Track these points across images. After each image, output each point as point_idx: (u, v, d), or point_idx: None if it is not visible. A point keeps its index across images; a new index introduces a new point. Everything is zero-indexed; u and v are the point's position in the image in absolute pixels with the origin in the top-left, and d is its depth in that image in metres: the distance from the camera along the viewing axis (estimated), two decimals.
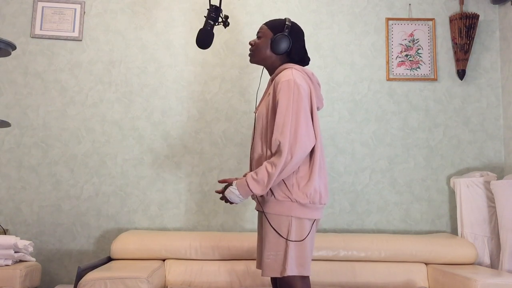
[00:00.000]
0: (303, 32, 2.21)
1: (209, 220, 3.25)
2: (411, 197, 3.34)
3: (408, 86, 3.42)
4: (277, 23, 2.16)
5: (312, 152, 2.00)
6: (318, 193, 1.99)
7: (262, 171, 1.93)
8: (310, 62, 2.25)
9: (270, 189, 1.99)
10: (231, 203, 2.03)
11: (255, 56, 2.19)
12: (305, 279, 2.00)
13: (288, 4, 3.43)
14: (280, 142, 1.92)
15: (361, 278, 2.87)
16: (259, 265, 2.14)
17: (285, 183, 1.98)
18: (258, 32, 2.20)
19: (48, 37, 3.30)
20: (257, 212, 2.20)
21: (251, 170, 2.15)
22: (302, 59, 2.18)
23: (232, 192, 1.98)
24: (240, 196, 1.98)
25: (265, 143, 2.05)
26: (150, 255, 2.85)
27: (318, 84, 2.17)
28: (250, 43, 2.21)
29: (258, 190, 1.94)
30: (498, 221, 2.98)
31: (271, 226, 1.97)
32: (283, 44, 2.11)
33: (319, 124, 2.05)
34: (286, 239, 1.95)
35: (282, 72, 2.08)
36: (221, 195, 2.06)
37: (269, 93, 2.10)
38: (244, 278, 2.82)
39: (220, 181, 2.09)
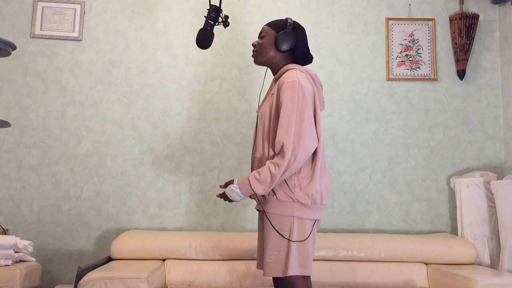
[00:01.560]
0: (305, 30, 2.21)
1: (209, 220, 3.25)
2: (411, 197, 3.34)
3: (408, 86, 3.42)
4: (279, 22, 2.16)
5: (314, 153, 2.00)
6: (320, 193, 1.99)
7: (265, 171, 1.93)
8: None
9: (272, 189, 1.99)
10: (230, 201, 2.03)
11: (259, 56, 2.18)
12: (306, 279, 2.01)
13: (288, 4, 3.43)
14: (283, 143, 1.92)
15: (361, 278, 2.87)
16: (260, 265, 2.14)
17: (287, 184, 1.98)
18: (260, 33, 2.19)
19: (48, 37, 3.30)
20: (257, 211, 2.20)
21: (252, 170, 2.15)
22: (306, 57, 2.18)
23: (233, 190, 1.98)
24: (242, 195, 1.98)
25: (267, 143, 2.05)
26: (150, 255, 2.85)
27: (321, 86, 2.17)
28: (253, 44, 2.20)
29: (260, 190, 1.94)
30: (498, 221, 2.98)
31: (273, 226, 1.97)
32: (287, 41, 2.11)
33: (321, 125, 2.06)
34: (288, 239, 1.95)
35: (286, 73, 2.07)
36: (222, 195, 2.06)
37: (273, 93, 2.09)
38: (244, 278, 2.82)
39: (221, 186, 2.07)
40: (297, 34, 2.14)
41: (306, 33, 2.23)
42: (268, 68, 2.23)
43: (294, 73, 2.03)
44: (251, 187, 1.94)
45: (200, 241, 2.88)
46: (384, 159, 3.35)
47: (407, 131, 3.38)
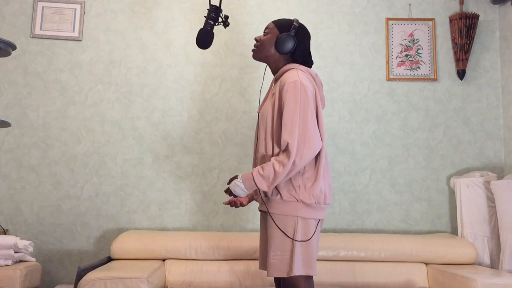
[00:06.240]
0: (310, 35, 2.20)
1: (209, 220, 3.25)
2: (411, 197, 3.34)
3: (408, 86, 3.42)
4: (284, 22, 2.15)
5: (318, 153, 2.00)
6: (323, 193, 2.00)
7: (268, 167, 1.94)
8: None
9: (277, 189, 1.99)
10: (235, 196, 2.03)
11: (259, 52, 2.18)
12: (309, 279, 2.01)
13: (288, 4, 3.43)
14: (288, 143, 1.92)
15: (361, 278, 2.87)
16: (262, 266, 2.13)
17: (292, 184, 1.98)
18: (265, 29, 2.19)
19: (48, 37, 3.30)
20: (259, 212, 2.19)
21: None
22: (305, 61, 2.17)
23: (237, 185, 1.99)
24: (245, 189, 1.98)
25: (271, 142, 2.04)
26: (150, 255, 2.85)
27: (321, 85, 2.17)
28: (255, 39, 2.19)
29: (263, 186, 1.94)
30: (498, 221, 2.98)
31: (277, 226, 1.97)
32: (287, 44, 2.10)
33: (323, 125, 2.06)
34: (293, 239, 1.95)
35: (287, 73, 2.07)
36: (227, 190, 2.06)
37: (274, 93, 2.08)
38: (244, 278, 2.82)
39: (228, 183, 2.07)
40: (299, 38, 2.12)
41: None
42: (267, 65, 2.23)
43: (295, 73, 2.03)
44: (254, 182, 1.95)
45: (200, 241, 2.88)
46: (384, 159, 3.35)
47: (407, 131, 3.38)
